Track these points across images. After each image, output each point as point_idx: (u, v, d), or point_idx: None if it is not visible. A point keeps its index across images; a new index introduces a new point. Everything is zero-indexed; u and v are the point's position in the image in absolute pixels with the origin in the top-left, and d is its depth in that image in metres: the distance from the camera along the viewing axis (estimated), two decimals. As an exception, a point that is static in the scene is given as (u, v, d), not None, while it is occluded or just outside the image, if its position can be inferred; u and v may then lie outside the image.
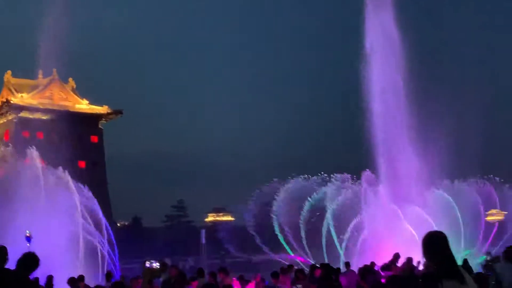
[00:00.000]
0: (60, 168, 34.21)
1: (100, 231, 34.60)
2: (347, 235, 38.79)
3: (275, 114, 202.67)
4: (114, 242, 35.94)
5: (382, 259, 28.12)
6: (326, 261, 36.07)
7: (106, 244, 34.81)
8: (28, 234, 27.35)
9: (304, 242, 42.41)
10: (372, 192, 38.02)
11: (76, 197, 33.17)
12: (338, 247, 39.19)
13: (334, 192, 41.33)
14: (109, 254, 35.15)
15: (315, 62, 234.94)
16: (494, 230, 44.53)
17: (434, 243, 6.78)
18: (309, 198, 42.62)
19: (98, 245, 33.85)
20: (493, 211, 50.97)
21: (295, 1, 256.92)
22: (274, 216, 43.63)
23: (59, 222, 30.26)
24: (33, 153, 34.50)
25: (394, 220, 36.53)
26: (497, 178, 44.78)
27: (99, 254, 33.74)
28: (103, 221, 34.87)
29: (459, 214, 39.14)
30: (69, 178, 33.74)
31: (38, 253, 8.77)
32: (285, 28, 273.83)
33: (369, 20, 40.00)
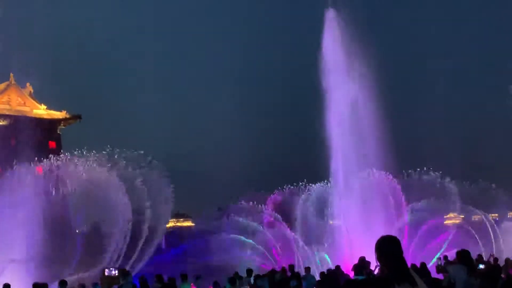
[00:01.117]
0: (19, 175, 33.86)
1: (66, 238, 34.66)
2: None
3: (236, 120, 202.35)
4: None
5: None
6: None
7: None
8: None
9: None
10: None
11: (37, 204, 32.86)
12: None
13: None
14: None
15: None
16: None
17: (387, 247, 6.78)
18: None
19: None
20: (451, 214, 51.34)
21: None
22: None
23: (21, 231, 29.94)
24: None
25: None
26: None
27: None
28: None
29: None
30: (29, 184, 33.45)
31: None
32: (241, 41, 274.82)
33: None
